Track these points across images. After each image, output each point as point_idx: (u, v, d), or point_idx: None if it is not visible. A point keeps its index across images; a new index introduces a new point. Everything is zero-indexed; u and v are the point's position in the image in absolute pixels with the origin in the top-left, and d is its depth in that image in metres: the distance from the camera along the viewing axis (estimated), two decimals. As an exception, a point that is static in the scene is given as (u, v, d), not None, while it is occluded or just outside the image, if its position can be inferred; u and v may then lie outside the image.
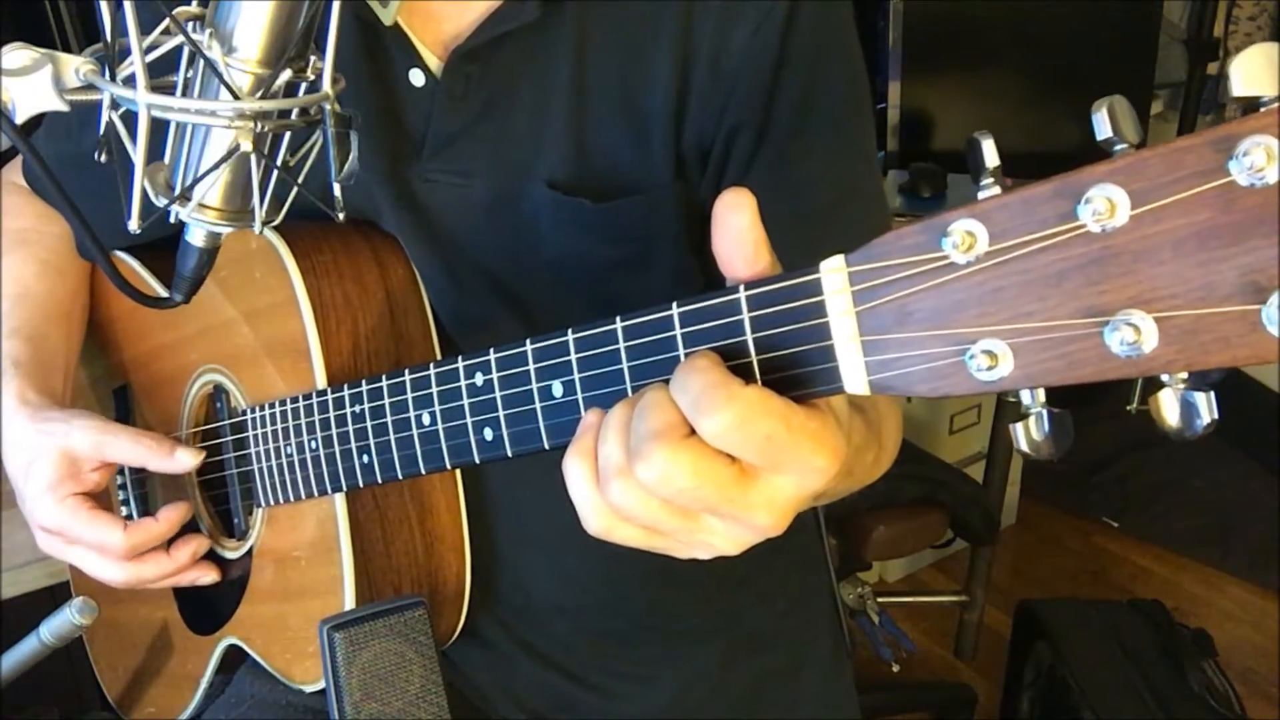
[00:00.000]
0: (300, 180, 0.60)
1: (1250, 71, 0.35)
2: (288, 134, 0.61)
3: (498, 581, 0.92)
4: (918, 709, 2.10)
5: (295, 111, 0.56)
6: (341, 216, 0.62)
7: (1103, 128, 0.38)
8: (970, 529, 1.93)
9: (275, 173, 0.59)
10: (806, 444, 0.43)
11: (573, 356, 0.54)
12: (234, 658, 0.94)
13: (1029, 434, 0.41)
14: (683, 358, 0.49)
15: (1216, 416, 0.38)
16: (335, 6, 0.56)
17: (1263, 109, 0.35)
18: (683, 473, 0.43)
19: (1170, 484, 2.66)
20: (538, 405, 0.56)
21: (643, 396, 0.45)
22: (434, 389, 0.65)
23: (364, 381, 0.72)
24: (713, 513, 0.46)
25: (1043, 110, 1.97)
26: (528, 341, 0.56)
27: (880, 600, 2.00)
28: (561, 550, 0.91)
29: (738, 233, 0.47)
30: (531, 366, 0.56)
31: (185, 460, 0.85)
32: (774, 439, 0.42)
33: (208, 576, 0.91)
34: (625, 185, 0.78)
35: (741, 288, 0.46)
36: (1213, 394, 0.38)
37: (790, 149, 0.77)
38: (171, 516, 0.86)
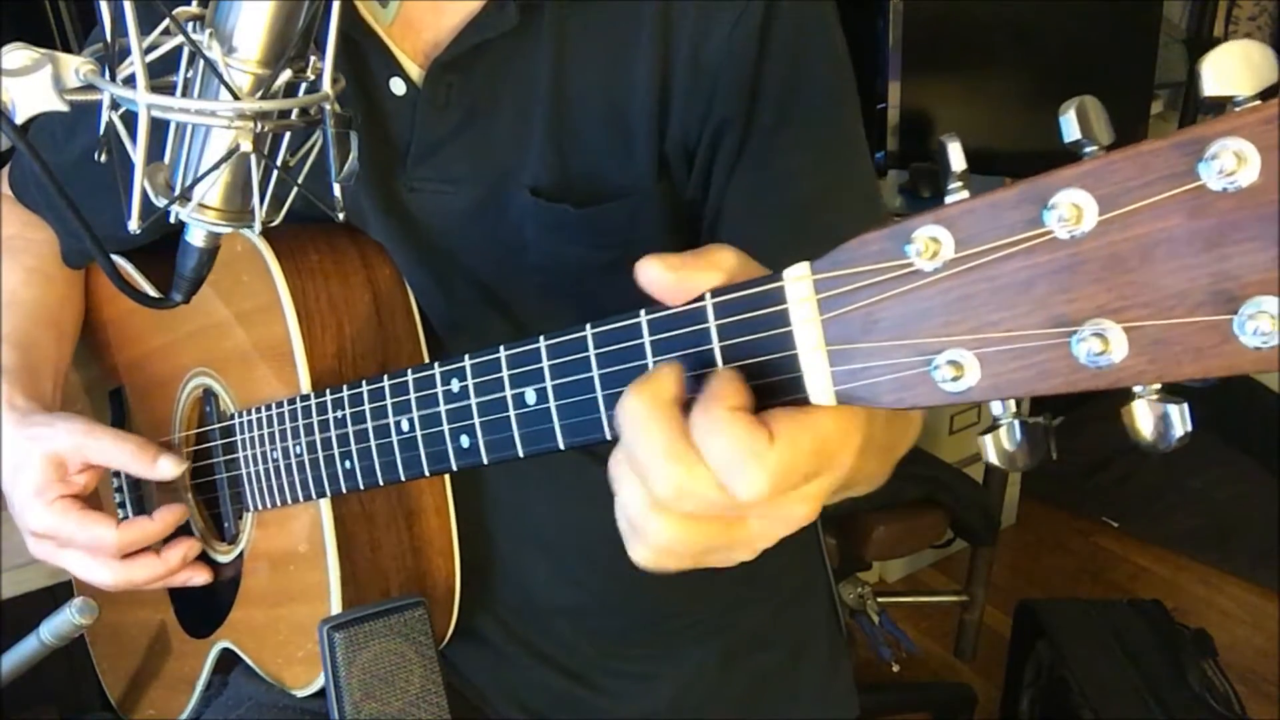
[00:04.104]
0: (300, 180, 0.60)
1: (1221, 70, 0.34)
2: (288, 134, 0.61)
3: (497, 581, 0.92)
4: (918, 709, 2.10)
5: (295, 111, 0.56)
6: (342, 216, 0.62)
7: (1071, 129, 0.36)
8: (970, 529, 1.93)
9: (275, 173, 0.59)
10: (833, 450, 0.43)
11: (545, 364, 0.53)
12: (230, 659, 0.95)
13: (999, 445, 0.40)
14: (651, 366, 0.48)
15: (1190, 429, 0.36)
16: (335, 7, 0.56)
17: (1236, 109, 0.34)
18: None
19: (1170, 484, 2.65)
20: (511, 413, 0.56)
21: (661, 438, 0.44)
22: (412, 395, 0.65)
23: (345, 388, 0.72)
24: (754, 518, 0.45)
25: (1043, 110, 1.95)
26: (501, 348, 0.56)
27: (880, 600, 1.99)
28: (561, 549, 0.91)
29: (657, 284, 0.47)
30: (505, 374, 0.56)
31: (167, 468, 0.84)
32: (810, 475, 0.42)
33: (199, 578, 0.90)
34: (608, 190, 0.78)
35: (708, 295, 0.46)
36: (1186, 405, 0.36)
37: (775, 142, 0.77)
38: (167, 518, 0.86)
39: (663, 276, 0.46)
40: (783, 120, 0.77)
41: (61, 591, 1.38)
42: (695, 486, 0.42)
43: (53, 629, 0.94)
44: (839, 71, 0.80)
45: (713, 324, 0.45)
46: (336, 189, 0.60)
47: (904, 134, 2.09)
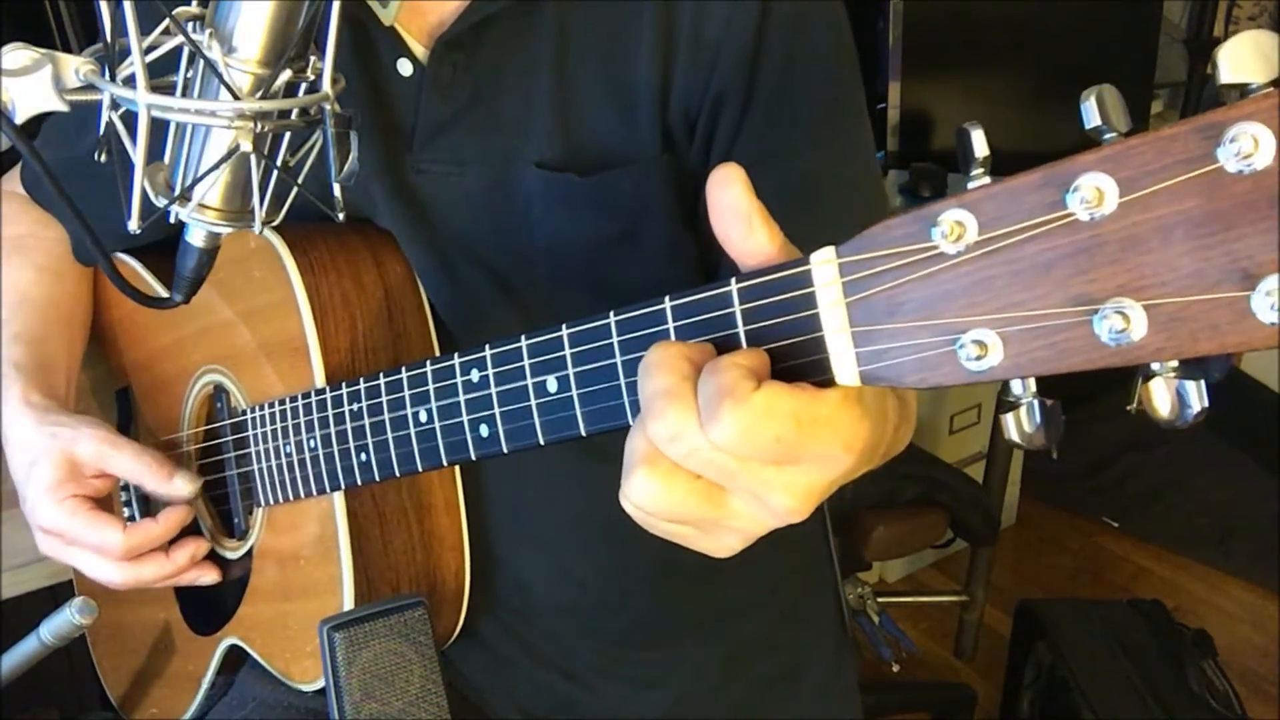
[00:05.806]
0: (300, 180, 0.60)
1: (1238, 58, 0.35)
2: (288, 134, 0.61)
3: (496, 581, 0.92)
4: (918, 709, 2.10)
5: (295, 111, 0.56)
6: (341, 216, 0.62)
7: (1091, 116, 0.37)
8: (970, 529, 1.93)
9: (275, 173, 0.60)
10: (822, 434, 0.42)
11: (567, 351, 0.54)
12: (236, 658, 0.95)
13: (1020, 424, 0.41)
14: None
15: (1207, 405, 0.38)
16: (335, 6, 0.56)
17: (1251, 95, 0.35)
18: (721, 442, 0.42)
19: (1170, 484, 2.66)
20: (533, 401, 0.56)
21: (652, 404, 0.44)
22: (430, 386, 0.65)
23: (361, 380, 0.72)
24: (735, 493, 0.45)
25: (1043, 110, 1.97)
26: (522, 337, 0.56)
27: (880, 600, 2.00)
28: (561, 549, 0.91)
29: (730, 208, 0.46)
30: (526, 362, 0.56)
31: (181, 487, 0.85)
32: (784, 442, 0.42)
33: (207, 577, 0.91)
34: (612, 158, 0.78)
35: (733, 281, 0.46)
36: (1203, 382, 0.38)
37: (776, 115, 0.77)
38: (171, 520, 0.86)
39: (741, 199, 0.46)
40: (783, 95, 0.77)
41: (62, 591, 1.37)
42: (684, 429, 0.42)
43: (53, 629, 0.94)
44: (841, 51, 0.80)
45: (738, 308, 0.46)
46: (336, 189, 0.60)
47: (904, 134, 2.09)
